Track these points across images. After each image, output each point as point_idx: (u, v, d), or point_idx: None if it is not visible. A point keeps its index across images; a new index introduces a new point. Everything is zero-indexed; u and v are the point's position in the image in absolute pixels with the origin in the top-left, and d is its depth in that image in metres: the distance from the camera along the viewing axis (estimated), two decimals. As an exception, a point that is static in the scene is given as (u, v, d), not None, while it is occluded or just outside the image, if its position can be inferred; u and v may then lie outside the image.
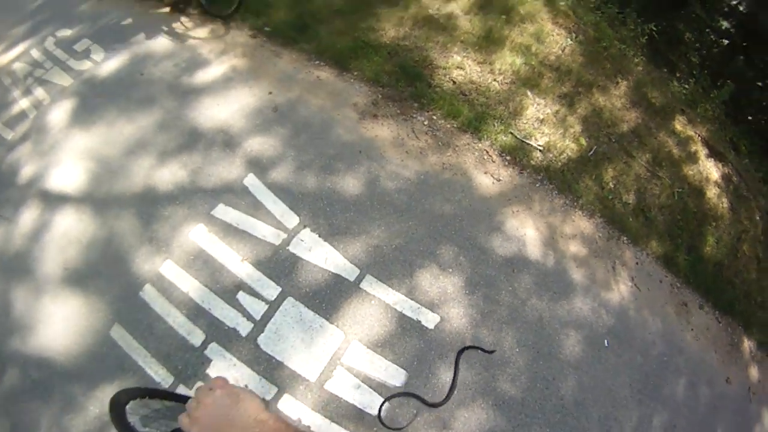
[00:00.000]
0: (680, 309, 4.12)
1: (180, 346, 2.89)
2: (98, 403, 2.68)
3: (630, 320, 3.76)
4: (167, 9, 4.64)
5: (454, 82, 4.25)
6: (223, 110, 3.85)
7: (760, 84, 6.60)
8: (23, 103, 4.05)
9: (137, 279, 3.07)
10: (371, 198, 3.57)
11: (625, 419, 3.45)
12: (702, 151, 5.01)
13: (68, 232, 3.22)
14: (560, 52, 4.77)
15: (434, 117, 4.08)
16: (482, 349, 3.19)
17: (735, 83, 6.11)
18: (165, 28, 4.51)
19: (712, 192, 4.76)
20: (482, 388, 3.04)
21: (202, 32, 4.53)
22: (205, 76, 4.11)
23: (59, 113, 3.86)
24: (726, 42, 6.97)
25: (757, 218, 5.07)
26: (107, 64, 4.22)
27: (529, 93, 4.38)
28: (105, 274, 3.09)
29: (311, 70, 4.25)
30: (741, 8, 6.80)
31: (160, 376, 2.78)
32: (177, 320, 2.97)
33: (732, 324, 4.47)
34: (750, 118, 6.49)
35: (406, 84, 4.16)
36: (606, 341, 3.63)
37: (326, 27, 4.55)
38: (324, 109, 3.97)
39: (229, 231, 3.27)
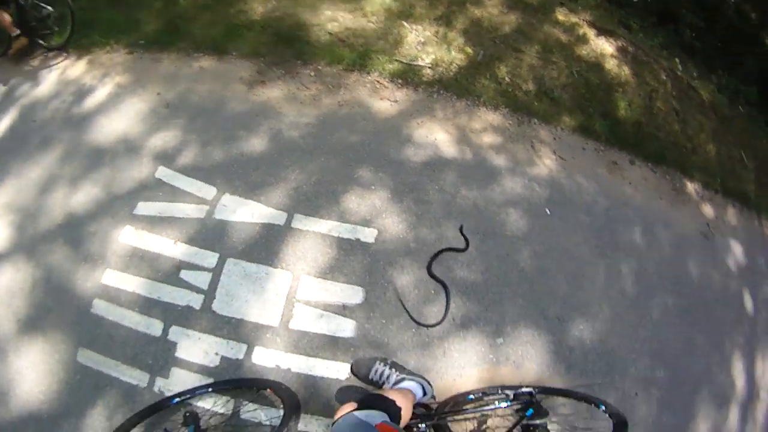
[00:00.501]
0: (612, 167, 4.33)
1: (143, 342, 2.91)
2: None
3: (564, 187, 3.92)
4: (19, 47, 4.73)
5: (331, 34, 4.45)
6: (119, 123, 3.91)
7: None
8: None
9: (84, 299, 3.07)
10: (279, 150, 3.66)
11: (592, 274, 3.58)
12: (591, 32, 5.31)
13: (9, 286, 3.20)
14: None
15: (319, 67, 4.24)
16: (454, 249, 3.31)
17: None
18: (33, 73, 4.62)
19: (610, 64, 5.04)
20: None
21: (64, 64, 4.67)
22: (93, 100, 4.18)
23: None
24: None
25: (664, 77, 5.37)
26: (-1, 124, 4.29)
27: (405, 23, 4.60)
28: (54, 307, 3.07)
29: (192, 63, 4.39)
30: None
31: (135, 378, 2.79)
32: (133, 320, 2.98)
33: (669, 171, 4.70)
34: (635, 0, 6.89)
35: (286, 47, 4.33)
36: (547, 210, 3.79)
37: (197, 23, 4.71)
38: (213, 92, 4.10)
39: (155, 222, 3.32)
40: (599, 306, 3.51)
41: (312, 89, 4.06)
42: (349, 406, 1.95)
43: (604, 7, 6.13)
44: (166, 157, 3.67)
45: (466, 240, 3.38)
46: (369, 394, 2.18)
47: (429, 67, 4.30)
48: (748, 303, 4.66)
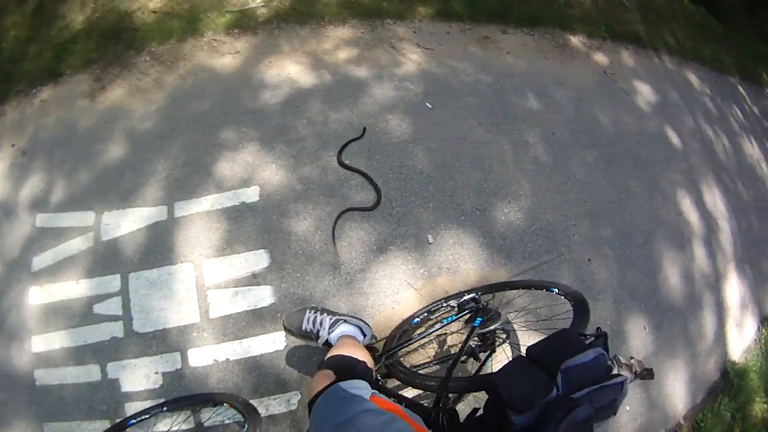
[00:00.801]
0: (484, 42, 4.24)
1: (90, 391, 2.82)
2: None
3: (438, 76, 3.85)
4: None
5: (155, 12, 4.22)
6: None
7: None
8: None
9: (26, 375, 2.96)
10: (138, 147, 3.52)
11: (498, 153, 3.55)
12: None
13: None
14: None
15: (152, 50, 4.04)
16: (361, 209, 3.23)
17: None
18: None
19: None
20: (355, 228, 3.12)
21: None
22: None
23: None
24: None
25: None
26: None
27: (231, -32, 4.39)
28: (5, 398, 2.95)
29: (33, 101, 4.15)
30: None
31: (97, 428, 2.72)
32: (73, 374, 2.89)
33: (547, 31, 4.64)
34: None
35: (115, 44, 4.11)
36: (428, 104, 3.71)
37: (26, 60, 4.42)
38: (60, 119, 3.89)
39: (54, 270, 3.21)
40: (517, 183, 3.48)
41: (152, 74, 3.88)
42: (325, 377, 1.80)
43: None
44: (40, 204, 3.53)
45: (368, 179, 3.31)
46: (337, 358, 2.04)
47: (262, 6, 4.12)
48: (673, 137, 4.70)
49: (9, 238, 3.47)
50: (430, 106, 3.73)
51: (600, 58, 5.04)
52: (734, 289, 4.12)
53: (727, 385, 3.73)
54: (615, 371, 1.68)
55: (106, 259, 3.16)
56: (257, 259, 2.99)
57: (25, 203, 3.58)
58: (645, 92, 4.99)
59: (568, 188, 3.70)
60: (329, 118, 3.54)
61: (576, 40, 4.96)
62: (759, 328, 4.27)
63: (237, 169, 3.29)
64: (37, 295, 3.18)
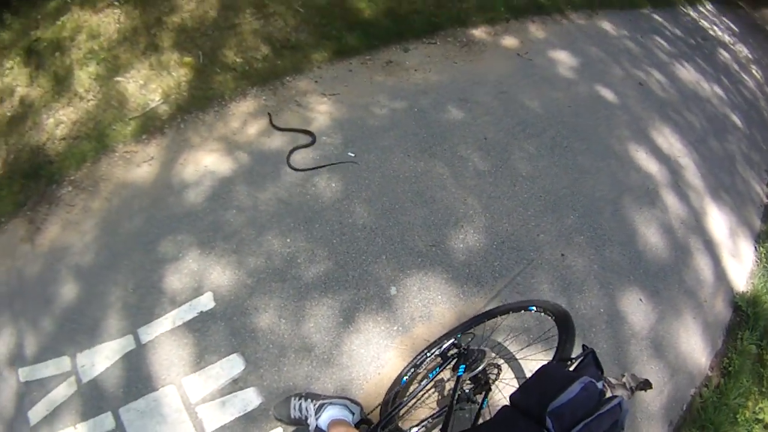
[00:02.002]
0: (389, 68, 4.55)
1: None
2: None
3: (352, 120, 4.13)
4: None
5: (64, 139, 4.36)
6: None
7: None
8: None
9: None
10: (87, 282, 3.66)
11: (434, 180, 3.83)
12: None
13: None
14: (118, 23, 4.91)
15: (72, 178, 4.16)
16: (303, 146, 3.59)
17: None
18: None
19: None
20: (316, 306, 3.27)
21: None
22: None
23: None
24: None
25: None
26: None
27: (119, 78, 4.49)
28: None
29: None
30: None
31: None
32: None
33: (448, 33, 5.22)
34: None
35: (36, 181, 4.24)
36: (350, 153, 3.94)
37: None
38: (10, 271, 3.93)
39: (50, 420, 3.29)
40: (464, 203, 3.57)
41: (78, 203, 4.02)
42: None
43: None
44: (17, 358, 3.63)
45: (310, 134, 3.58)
46: None
47: (162, 103, 4.25)
48: (607, 94, 4.80)
49: (1, 396, 3.60)
50: (353, 155, 3.86)
51: (509, 41, 5.15)
52: (718, 221, 4.19)
53: (743, 319, 3.83)
54: (609, 394, 1.69)
55: (93, 399, 3.29)
56: (232, 364, 3.13)
57: (3, 360, 3.71)
58: (564, 60, 5.10)
59: (517, 189, 3.77)
60: (258, 200, 3.66)
61: (480, 32, 5.07)
62: (756, 247, 4.34)
63: (185, 279, 3.42)
64: (39, 440, 3.29)
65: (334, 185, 3.70)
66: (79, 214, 4.01)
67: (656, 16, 7.37)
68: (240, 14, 4.78)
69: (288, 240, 3.47)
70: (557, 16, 5.89)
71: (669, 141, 4.74)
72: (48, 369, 3.51)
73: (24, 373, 3.57)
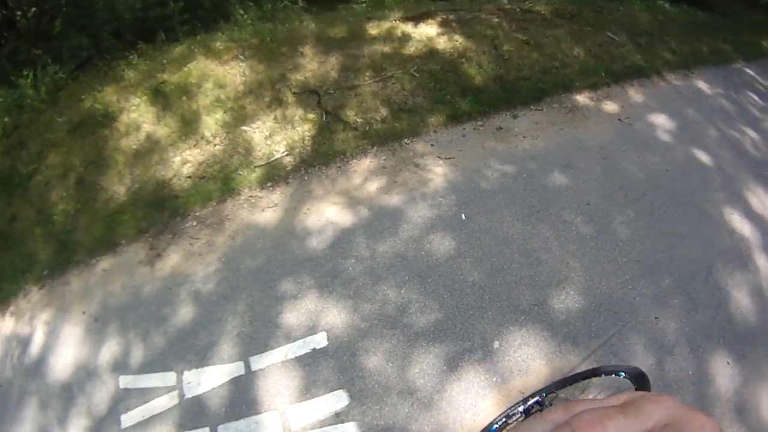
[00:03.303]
0: (499, 134, 4.98)
1: None
2: None
3: (465, 183, 4.46)
4: None
5: (190, 177, 4.92)
6: (67, 355, 4.24)
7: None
8: None
9: None
10: (205, 308, 4.08)
11: (540, 242, 4.11)
12: (407, 27, 5.99)
13: None
14: (243, 77, 5.56)
15: (197, 214, 4.68)
16: None
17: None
18: None
19: (441, 43, 5.81)
20: (424, 353, 3.61)
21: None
22: (36, 346, 4.42)
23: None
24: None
25: (496, 20, 6.26)
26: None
27: (245, 127, 5.08)
28: None
29: (94, 270, 4.71)
30: None
31: None
32: None
33: (554, 100, 5.55)
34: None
35: (160, 212, 4.78)
36: (462, 215, 4.28)
37: (79, 231, 5.01)
38: (125, 286, 4.47)
39: (144, 426, 3.65)
40: (567, 266, 3.86)
41: (201, 237, 4.50)
42: None
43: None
44: (121, 366, 4.05)
45: None
46: None
47: (287, 155, 4.78)
48: (702, 156, 5.04)
49: (95, 397, 3.99)
50: (465, 217, 4.25)
51: (610, 106, 5.54)
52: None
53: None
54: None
55: (194, 414, 3.64)
56: (337, 399, 3.42)
57: (106, 366, 4.11)
58: (662, 123, 5.41)
59: (616, 253, 4.02)
60: (376, 252, 4.05)
61: (583, 98, 5.49)
62: None
63: (302, 318, 3.80)
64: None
65: (447, 244, 4.05)
66: (203, 247, 4.49)
67: (748, 70, 7.55)
68: (360, 76, 5.35)
69: (402, 291, 3.79)
70: (655, 78, 6.24)
71: (763, 202, 4.87)
72: (152, 380, 3.91)
73: (125, 381, 3.98)
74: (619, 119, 5.30)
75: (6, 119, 6.25)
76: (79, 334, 4.39)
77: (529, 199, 4.37)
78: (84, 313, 4.50)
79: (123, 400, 3.88)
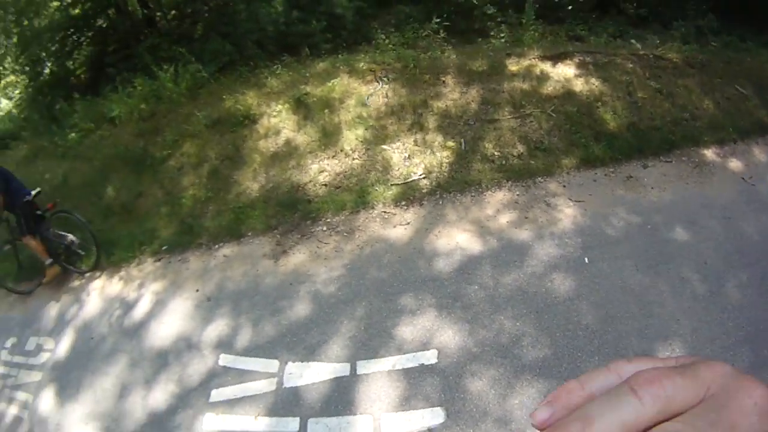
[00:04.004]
0: (629, 183, 4.99)
1: None
2: None
3: (592, 228, 4.47)
4: (53, 274, 5.36)
5: (326, 185, 5.21)
6: (172, 325, 4.50)
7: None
8: (12, 410, 4.51)
9: None
10: (322, 308, 4.24)
11: (655, 296, 4.08)
12: (546, 66, 6.04)
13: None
14: (385, 98, 5.92)
15: (328, 220, 4.93)
16: None
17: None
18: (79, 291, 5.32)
19: (578, 85, 5.77)
20: (526, 388, 3.70)
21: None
22: (140, 311, 4.77)
23: (48, 402, 4.37)
24: None
25: (630, 65, 6.27)
26: (61, 347, 4.80)
27: (385, 146, 5.35)
28: None
29: (216, 254, 5.07)
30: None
31: None
32: None
33: (683, 153, 5.45)
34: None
35: (292, 213, 5.07)
36: (586, 259, 4.29)
37: (207, 217, 5.42)
38: (245, 274, 4.73)
39: (232, 404, 3.81)
40: (677, 323, 3.80)
41: (330, 242, 4.74)
42: None
43: (548, 31, 6.91)
44: (224, 345, 4.24)
45: None
46: None
47: (424, 178, 4.99)
48: None
49: (190, 368, 4.17)
50: (588, 261, 4.26)
51: (735, 164, 5.41)
52: None
53: None
54: None
55: (287, 403, 3.73)
56: (433, 416, 3.44)
57: (209, 342, 4.29)
58: None
59: (725, 317, 3.89)
60: (499, 283, 4.13)
61: (710, 153, 5.39)
62: None
63: (416, 333, 3.86)
64: (212, 422, 3.77)
65: (567, 284, 4.07)
66: (330, 251, 4.71)
67: None
68: (499, 111, 5.53)
69: (518, 323, 3.82)
70: (782, 138, 6.10)
71: None
72: (253, 364, 4.06)
73: (226, 359, 4.15)
74: (743, 178, 5.19)
75: (143, 106, 6.90)
76: (188, 308, 4.65)
77: (651, 251, 4.33)
78: (197, 291, 4.78)
79: (218, 376, 4.06)
